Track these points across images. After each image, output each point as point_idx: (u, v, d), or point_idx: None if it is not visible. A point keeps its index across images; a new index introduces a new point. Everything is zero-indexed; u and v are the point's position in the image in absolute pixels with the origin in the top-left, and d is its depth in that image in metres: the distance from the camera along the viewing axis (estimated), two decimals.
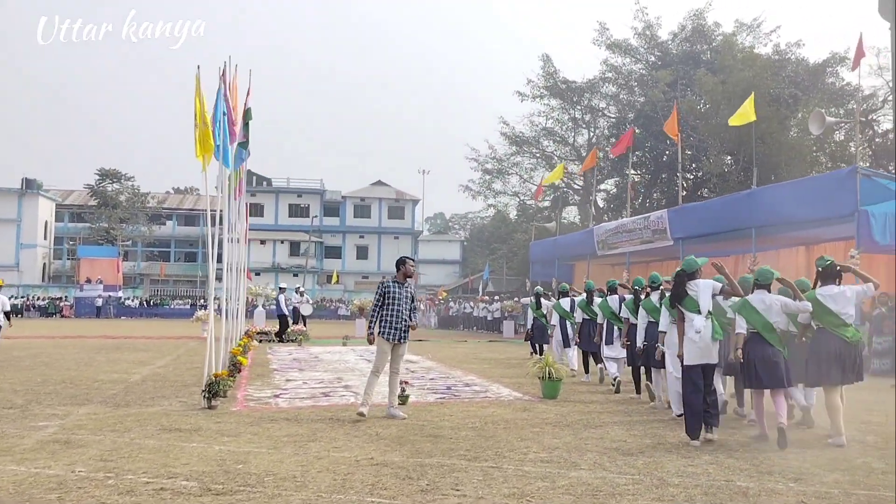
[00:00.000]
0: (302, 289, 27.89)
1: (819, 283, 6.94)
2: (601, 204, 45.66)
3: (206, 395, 8.35)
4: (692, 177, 40.09)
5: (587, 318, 11.73)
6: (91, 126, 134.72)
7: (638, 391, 9.73)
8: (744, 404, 8.22)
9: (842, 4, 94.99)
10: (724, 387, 8.39)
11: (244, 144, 14.73)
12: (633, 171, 43.77)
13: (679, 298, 6.93)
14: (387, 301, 7.99)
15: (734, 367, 7.19)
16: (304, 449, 6.15)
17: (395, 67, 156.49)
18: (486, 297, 37.22)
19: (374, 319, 7.98)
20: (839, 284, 6.85)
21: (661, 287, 8.67)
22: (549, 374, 9.45)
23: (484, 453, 6.05)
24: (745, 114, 18.56)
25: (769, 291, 6.89)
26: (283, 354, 16.93)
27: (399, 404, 8.58)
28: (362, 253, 64.78)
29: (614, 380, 10.44)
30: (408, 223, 65.65)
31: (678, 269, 7.24)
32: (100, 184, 59.82)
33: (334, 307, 55.58)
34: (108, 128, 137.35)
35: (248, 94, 14.69)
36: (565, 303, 13.04)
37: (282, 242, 60.96)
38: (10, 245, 56.42)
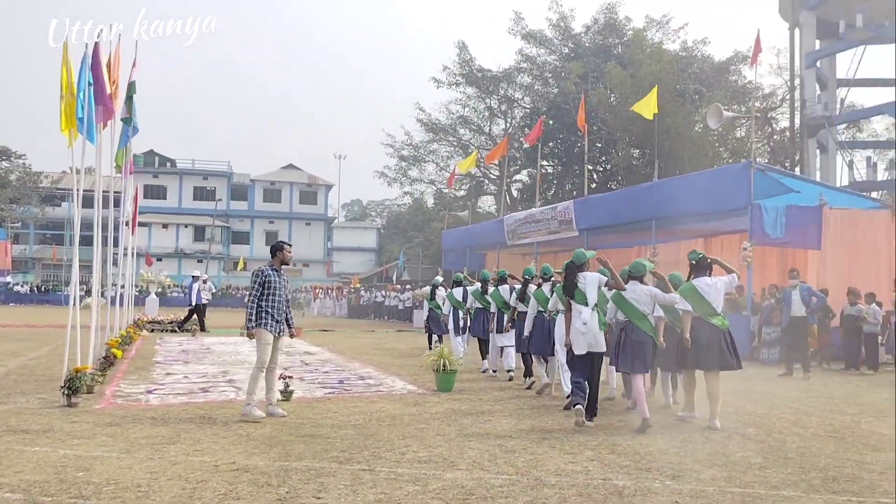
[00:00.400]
0: (204, 276, 26.73)
1: (692, 275, 7.35)
2: (515, 194, 45.99)
3: (66, 392, 7.64)
4: (602, 169, 40.84)
5: (480, 307, 11.78)
6: None
7: (526, 375, 9.87)
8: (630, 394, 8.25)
9: (746, 5, 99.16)
10: (613, 380, 8.93)
11: (128, 121, 13.82)
12: (545, 162, 44.25)
13: (569, 290, 7.23)
14: (267, 291, 7.47)
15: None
16: (160, 453, 5.61)
17: (308, 50, 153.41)
18: (398, 286, 36.83)
19: (254, 310, 7.44)
20: (710, 276, 7.31)
21: (552, 278, 8.98)
22: (443, 365, 9.16)
23: (359, 454, 5.68)
24: (648, 105, 18.83)
25: (642, 283, 7.24)
26: (173, 345, 16.08)
27: (281, 400, 8.13)
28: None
29: (508, 371, 10.71)
30: (321, 209, 64.40)
31: (568, 261, 7.44)
32: None
33: (241, 295, 53.92)
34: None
35: (132, 66, 13.77)
36: (458, 292, 13.00)
37: (186, 227, 58.71)
38: None
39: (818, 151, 36.99)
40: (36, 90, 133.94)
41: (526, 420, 7.33)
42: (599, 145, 38.96)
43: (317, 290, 46.64)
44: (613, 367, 8.02)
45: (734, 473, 5.26)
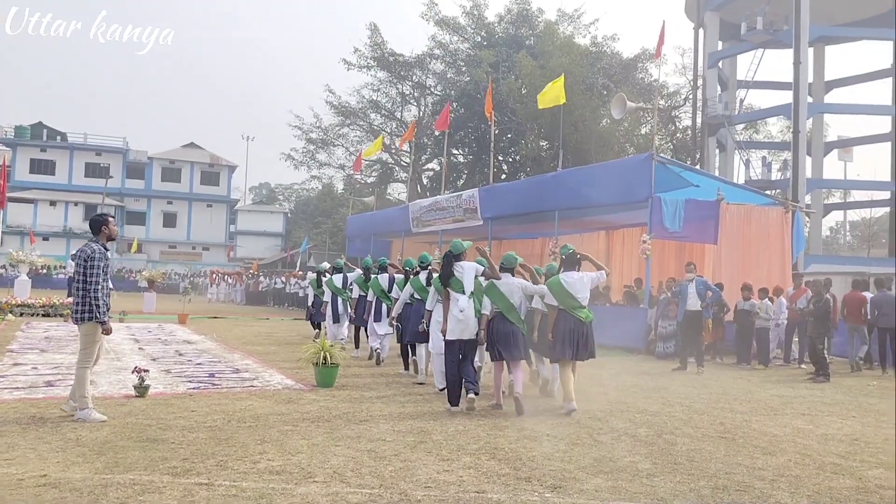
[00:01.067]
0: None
1: (561, 269, 7.69)
2: (426, 182, 45.42)
3: None
4: (511, 160, 40.80)
5: (363, 294, 11.77)
6: None
7: (406, 367, 10.02)
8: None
9: (654, 4, 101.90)
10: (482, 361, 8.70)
11: None
12: (456, 151, 43.87)
13: (446, 278, 7.45)
14: (98, 271, 6.39)
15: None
16: None
17: (216, 25, 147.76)
18: (301, 273, 35.58)
19: (94, 297, 6.36)
20: (579, 271, 7.60)
21: (430, 267, 9.23)
22: (323, 359, 8.44)
23: (202, 464, 4.91)
24: (554, 95, 18.55)
25: (513, 275, 7.57)
26: (38, 331, 14.63)
27: (136, 396, 7.22)
28: (170, 220, 60.18)
29: (373, 350, 11.15)
30: (223, 190, 61.84)
31: (446, 250, 7.63)
32: None
33: (133, 278, 51.16)
34: None
35: None
36: (338, 279, 13.02)
37: (76, 205, 55.08)
38: None
39: (717, 150, 38.13)
40: None
41: (406, 421, 6.71)
42: (509, 136, 38.87)
43: (213, 276, 44.65)
44: (548, 361, 8.25)
45: (621, 482, 4.80)
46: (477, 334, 7.34)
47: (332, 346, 8.65)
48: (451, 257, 7.40)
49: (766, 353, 12.89)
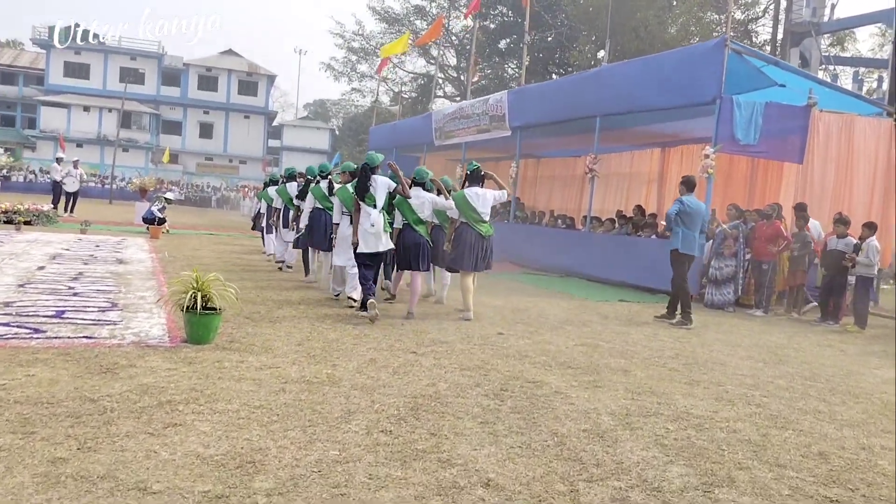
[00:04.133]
0: (75, 158, 22.53)
1: (467, 184, 7.94)
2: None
3: None
4: (562, 72, 36.69)
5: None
6: None
7: (307, 273, 10.44)
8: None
9: None
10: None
11: None
12: (513, 63, 39.82)
13: (361, 192, 7.39)
14: None
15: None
16: None
17: None
18: None
19: None
20: (482, 187, 7.87)
21: (329, 176, 9.41)
22: (195, 302, 5.56)
23: None
24: None
25: (424, 189, 7.89)
26: None
27: None
28: (206, 131, 57.91)
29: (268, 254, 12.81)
30: (261, 101, 59.01)
31: (363, 163, 7.52)
32: None
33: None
34: None
35: None
36: (291, 188, 11.22)
37: (109, 111, 53.10)
38: None
39: (799, 64, 33.27)
40: None
41: (231, 434, 3.83)
42: (553, 39, 34.70)
43: (245, 190, 42.48)
44: (445, 271, 8.77)
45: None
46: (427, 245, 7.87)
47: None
48: (368, 170, 7.39)
49: (864, 310, 9.55)
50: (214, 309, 5.68)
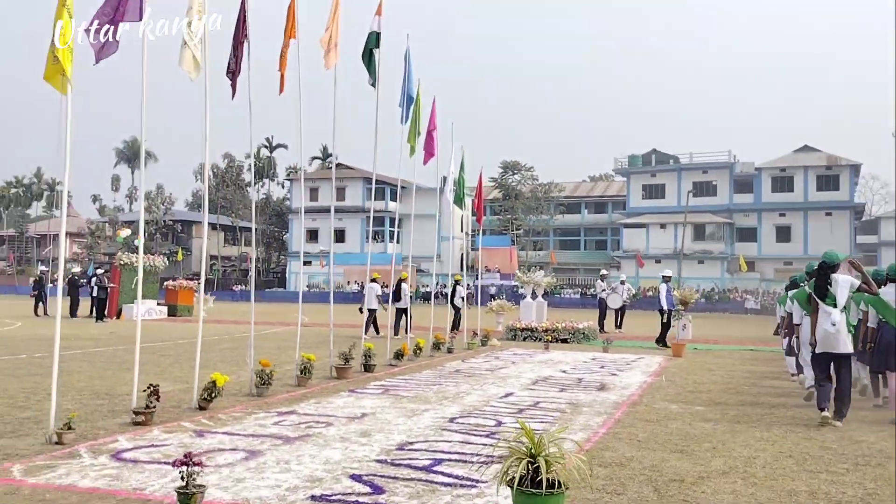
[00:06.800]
0: (622, 277, 22.80)
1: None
2: None
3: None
4: None
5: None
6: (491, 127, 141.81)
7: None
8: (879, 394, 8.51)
9: None
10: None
11: (373, 80, 11.27)
12: None
13: (820, 291, 7.24)
14: None
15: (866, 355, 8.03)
16: None
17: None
18: None
19: None
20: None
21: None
22: (528, 472, 3.85)
23: None
24: None
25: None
26: (490, 362, 12.89)
27: None
28: (783, 234, 54.12)
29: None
30: (844, 195, 52.58)
31: (819, 262, 7.44)
32: (503, 176, 61.69)
33: (741, 298, 47.35)
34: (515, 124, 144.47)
35: (377, 11, 11.22)
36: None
37: (684, 225, 54.50)
38: (432, 237, 61.86)
39: None
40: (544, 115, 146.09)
41: None
42: None
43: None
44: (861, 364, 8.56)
45: None
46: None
47: None
48: (827, 269, 7.21)
49: None
50: (556, 485, 3.85)
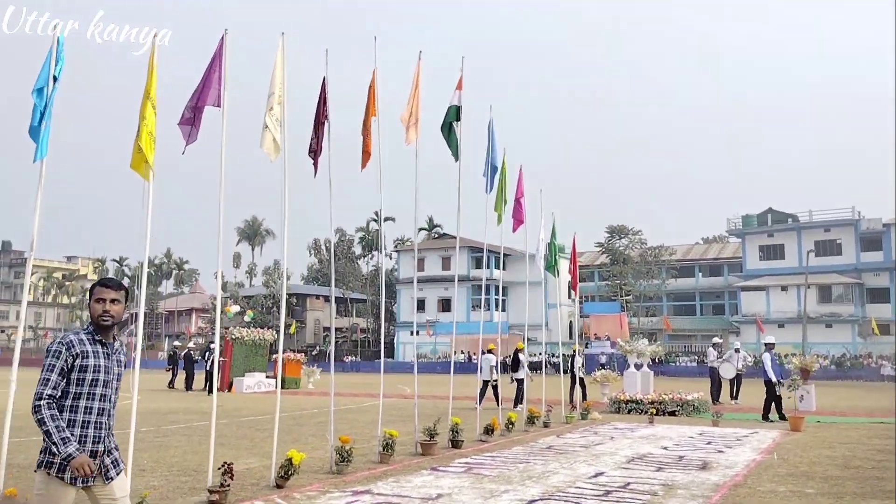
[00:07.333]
0: (737, 345, 21.47)
1: None
2: None
3: None
4: None
5: None
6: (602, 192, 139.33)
7: None
8: None
9: None
10: None
11: (455, 154, 11.37)
12: None
13: None
14: (80, 378, 3.71)
15: None
16: None
17: None
18: None
19: (57, 425, 3.63)
20: None
21: None
22: None
23: None
24: None
25: None
26: (574, 440, 12.30)
27: None
28: None
29: None
30: None
31: None
32: (609, 241, 60.47)
33: (875, 364, 43.55)
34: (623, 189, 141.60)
35: (458, 86, 11.40)
36: None
37: (808, 287, 51.16)
38: (539, 305, 61.03)
39: None
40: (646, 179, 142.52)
41: None
42: None
43: None
44: None
45: None
46: None
47: None
48: None
49: None
50: None
